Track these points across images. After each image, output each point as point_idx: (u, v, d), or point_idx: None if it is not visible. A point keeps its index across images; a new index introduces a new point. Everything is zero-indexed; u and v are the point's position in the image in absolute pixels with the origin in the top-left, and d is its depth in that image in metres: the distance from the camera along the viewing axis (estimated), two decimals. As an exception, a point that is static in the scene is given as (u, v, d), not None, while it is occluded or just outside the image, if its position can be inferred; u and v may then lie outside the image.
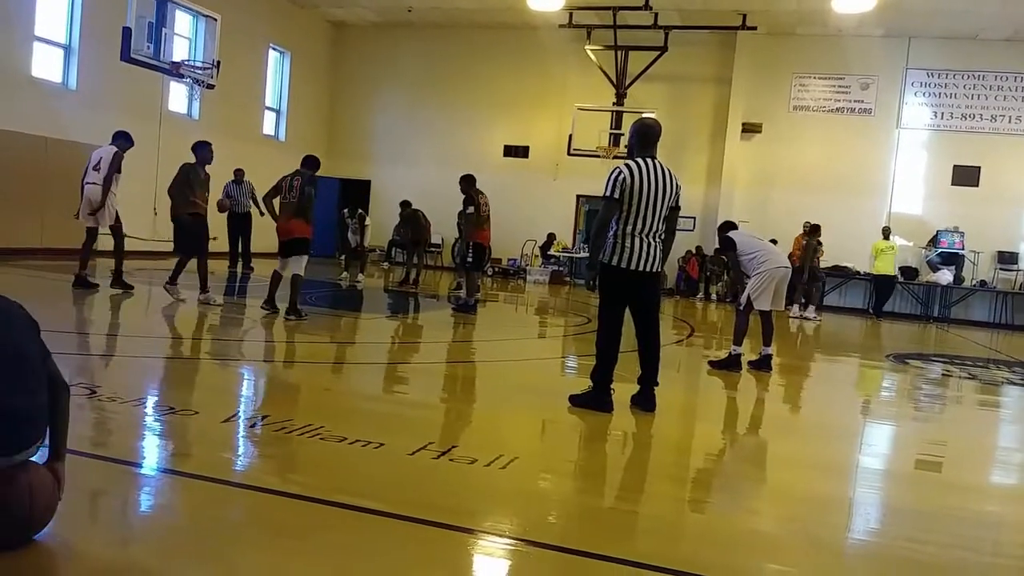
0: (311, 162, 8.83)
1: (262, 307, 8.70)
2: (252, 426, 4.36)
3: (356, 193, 20.03)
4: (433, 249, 18.51)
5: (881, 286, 16.18)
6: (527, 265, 19.35)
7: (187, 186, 9.18)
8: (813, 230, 15.80)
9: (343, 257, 15.37)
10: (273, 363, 6.62)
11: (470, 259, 10.67)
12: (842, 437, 5.78)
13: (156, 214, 14.20)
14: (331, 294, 13.11)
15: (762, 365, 7.57)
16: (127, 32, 10.85)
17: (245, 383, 5.94)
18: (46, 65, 13.58)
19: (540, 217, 19.40)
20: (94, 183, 9.42)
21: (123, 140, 9.55)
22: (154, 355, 6.43)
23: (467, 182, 10.43)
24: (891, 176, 17.87)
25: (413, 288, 13.72)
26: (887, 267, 15.88)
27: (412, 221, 14.14)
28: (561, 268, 18.90)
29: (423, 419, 5.06)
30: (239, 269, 14.03)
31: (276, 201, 8.66)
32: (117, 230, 9.68)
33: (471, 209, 10.44)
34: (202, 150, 9.34)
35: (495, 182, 18.19)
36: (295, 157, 19.84)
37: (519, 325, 11.70)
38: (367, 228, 14.37)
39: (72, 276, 9.58)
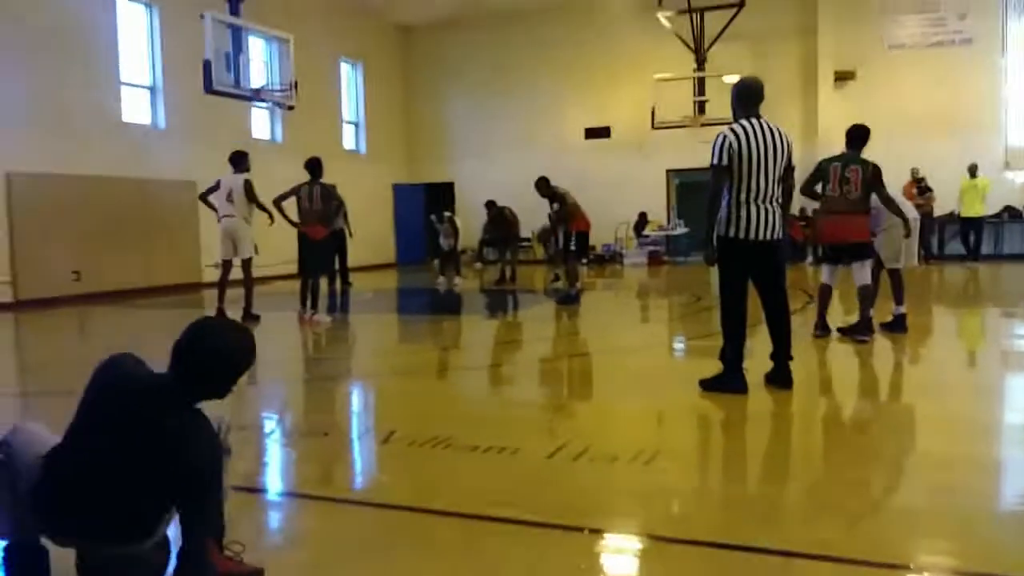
0: None
1: (815, 334, 7.02)
2: (384, 442, 4.24)
3: (441, 196, 20.09)
4: (524, 243, 18.31)
5: (969, 228, 15.65)
6: (622, 248, 18.95)
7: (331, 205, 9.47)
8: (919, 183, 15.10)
9: (436, 261, 15.36)
10: (388, 376, 6.53)
11: (573, 247, 10.48)
12: (993, 396, 5.33)
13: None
14: (431, 299, 13.12)
15: (896, 327, 7.07)
16: (207, 65, 11.05)
17: (366, 399, 5.88)
18: (135, 108, 14.01)
19: (630, 197, 18.93)
20: (231, 215, 9.25)
21: (245, 162, 9.35)
22: (276, 378, 6.41)
23: (542, 185, 10.57)
24: (1003, 108, 16.64)
25: (511, 285, 13.62)
26: (972, 207, 15.32)
27: (499, 220, 14.09)
28: (658, 248, 18.43)
29: (552, 419, 4.87)
30: (338, 286, 14.18)
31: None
32: (249, 262, 9.45)
33: (556, 206, 10.48)
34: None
35: (579, 167, 17.94)
36: (378, 169, 20.36)
37: (626, 312, 11.37)
38: (458, 230, 14.32)
39: (215, 310, 9.29)
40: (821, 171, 6.75)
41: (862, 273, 6.74)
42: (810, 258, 16.79)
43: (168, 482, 2.18)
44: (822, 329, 6.98)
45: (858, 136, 6.74)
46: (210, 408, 2.34)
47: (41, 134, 12.07)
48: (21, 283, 11.79)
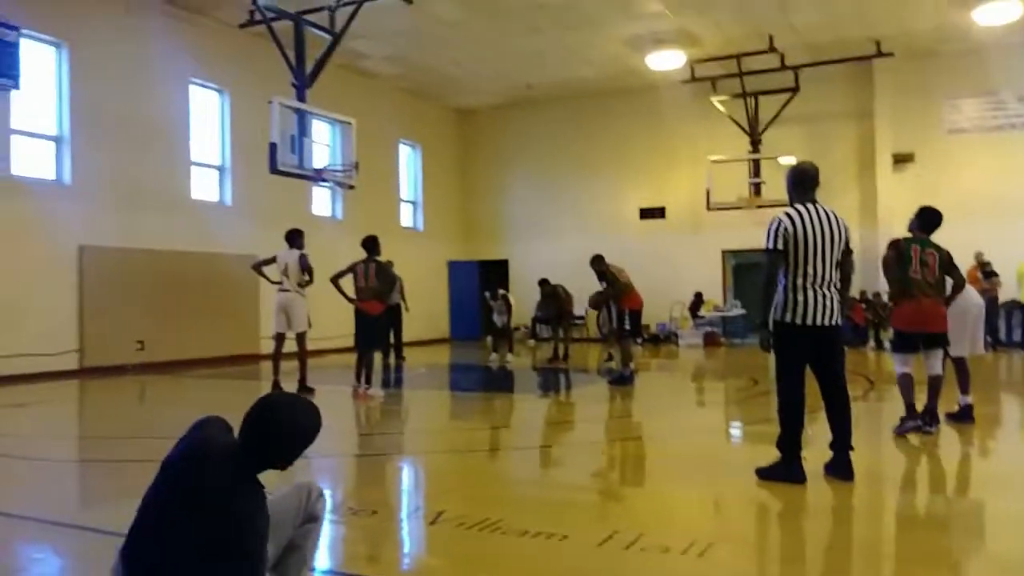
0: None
1: (921, 426, 6.44)
2: (432, 523, 4.21)
3: (495, 273, 20.27)
4: (578, 322, 18.29)
5: None
6: (677, 329, 18.77)
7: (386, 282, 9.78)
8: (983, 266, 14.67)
9: (489, 338, 15.41)
10: (439, 453, 6.51)
11: (627, 327, 10.42)
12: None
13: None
14: (484, 376, 13.11)
15: (962, 417, 6.81)
16: (273, 147, 11.49)
17: (416, 477, 5.85)
18: (203, 187, 14.63)
19: (685, 277, 18.84)
20: (287, 290, 9.55)
21: (301, 240, 9.69)
22: (327, 452, 6.42)
23: (597, 262, 10.64)
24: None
25: (563, 364, 13.58)
26: None
27: (552, 298, 14.19)
28: (714, 329, 18.21)
29: (603, 505, 4.79)
30: (392, 360, 14.31)
31: None
32: (304, 335, 9.70)
33: (604, 284, 10.56)
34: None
35: (633, 246, 17.98)
36: (434, 246, 20.71)
37: (681, 394, 11.19)
38: (511, 308, 14.41)
39: (271, 382, 9.46)
40: (901, 251, 6.49)
41: (935, 362, 6.52)
42: (872, 343, 16.39)
43: (218, 551, 2.22)
44: (914, 419, 6.43)
45: (932, 220, 6.60)
46: (299, 476, 2.39)
47: (114, 210, 12.69)
48: (87, 352, 12.18)
